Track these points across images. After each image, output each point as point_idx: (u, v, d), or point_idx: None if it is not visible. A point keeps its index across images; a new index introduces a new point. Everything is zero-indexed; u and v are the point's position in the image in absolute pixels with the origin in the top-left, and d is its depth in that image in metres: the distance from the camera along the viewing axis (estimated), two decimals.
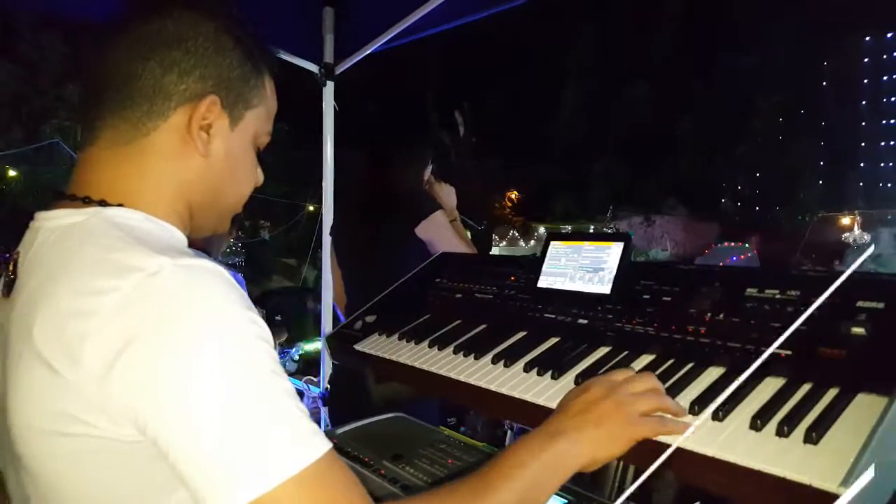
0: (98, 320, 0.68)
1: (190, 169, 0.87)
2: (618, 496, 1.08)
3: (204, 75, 0.85)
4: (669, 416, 0.86)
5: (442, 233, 2.23)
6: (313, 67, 2.80)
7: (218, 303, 0.71)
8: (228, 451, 0.65)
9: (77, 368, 0.68)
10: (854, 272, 0.84)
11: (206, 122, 0.86)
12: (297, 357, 3.64)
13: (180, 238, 0.86)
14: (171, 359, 0.66)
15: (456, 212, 2.46)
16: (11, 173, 11.03)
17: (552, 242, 1.33)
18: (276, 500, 0.65)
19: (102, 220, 0.79)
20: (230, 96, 0.87)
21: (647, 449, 0.85)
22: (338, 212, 2.71)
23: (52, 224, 0.81)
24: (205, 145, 0.86)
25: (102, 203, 0.81)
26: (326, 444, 0.70)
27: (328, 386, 3.19)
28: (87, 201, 0.81)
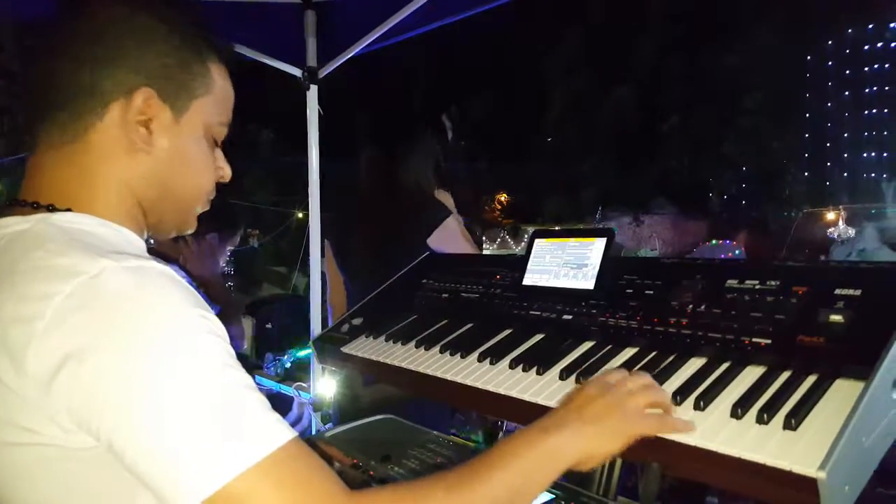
0: (40, 326, 0.66)
1: (135, 167, 0.83)
2: (606, 490, 1.09)
3: (136, 67, 0.80)
4: (668, 413, 0.86)
5: (454, 239, 2.20)
6: (296, 72, 2.79)
7: (163, 301, 0.69)
8: (186, 446, 0.64)
9: (21, 376, 0.67)
10: (832, 261, 0.86)
11: (145, 117, 0.81)
12: (288, 364, 3.64)
13: (133, 240, 0.83)
14: (118, 360, 0.65)
15: (458, 215, 2.39)
16: None
17: (536, 240, 1.34)
18: (240, 491, 0.64)
19: (49, 225, 0.76)
20: (169, 87, 0.82)
21: (636, 442, 0.85)
22: (338, 217, 2.64)
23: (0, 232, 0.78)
24: (144, 141, 0.82)
25: (50, 208, 0.78)
26: (289, 433, 0.69)
27: (321, 392, 3.18)
28: (35, 207, 0.79)
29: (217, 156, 0.92)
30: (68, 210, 0.79)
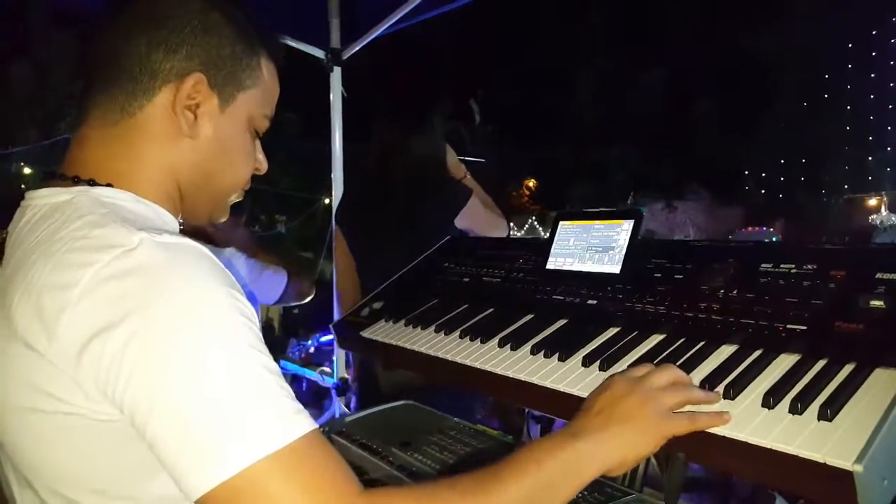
0: (75, 294, 0.67)
1: (178, 150, 0.85)
2: (631, 481, 1.06)
3: (190, 54, 0.83)
4: (702, 407, 0.81)
5: (480, 218, 2.19)
6: (320, 53, 2.77)
7: (196, 278, 0.70)
8: (204, 428, 0.64)
9: (53, 343, 0.68)
10: (873, 244, 0.81)
11: (193, 102, 0.84)
12: (312, 349, 3.66)
13: (169, 220, 0.85)
14: (147, 335, 0.65)
15: (462, 167, 2.35)
16: (26, 171, 11.20)
17: (561, 222, 1.30)
18: (252, 478, 0.63)
19: (89, 198, 0.78)
20: (219, 76, 0.85)
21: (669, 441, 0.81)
22: (353, 200, 2.58)
23: (39, 202, 0.81)
24: (190, 126, 0.84)
25: (91, 182, 0.80)
26: (310, 425, 0.68)
27: (344, 376, 3.18)
28: (76, 181, 0.80)
29: (256, 147, 0.94)
30: (109, 185, 0.80)
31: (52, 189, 0.81)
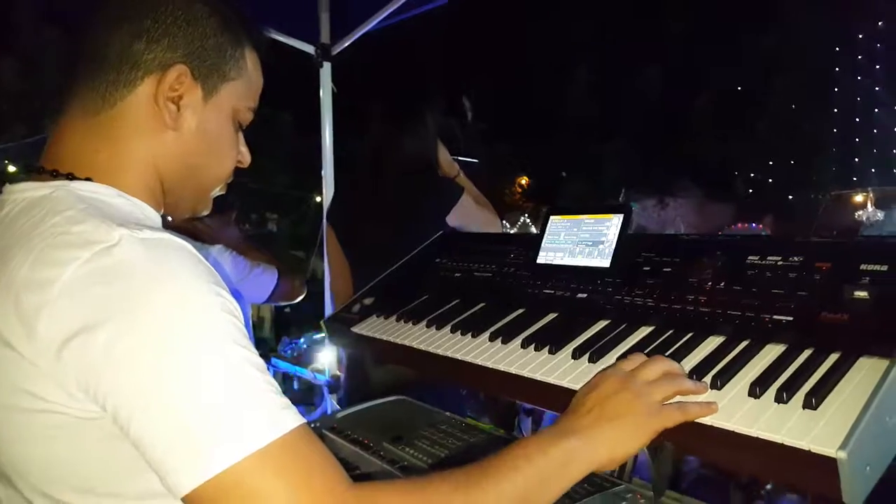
0: (54, 291, 0.66)
1: (160, 143, 0.83)
2: (620, 471, 1.07)
3: (173, 44, 0.82)
4: (690, 398, 0.82)
5: (471, 215, 2.19)
6: (309, 49, 2.75)
7: (178, 275, 0.69)
8: (190, 425, 0.63)
9: (32, 341, 0.67)
10: (858, 237, 0.82)
11: (176, 94, 0.82)
12: (304, 347, 3.66)
13: (151, 214, 0.84)
14: (129, 334, 0.64)
15: (455, 165, 2.36)
16: (11, 169, 11.09)
17: (552, 217, 1.31)
18: (241, 474, 0.63)
19: (68, 193, 0.76)
20: (203, 67, 0.84)
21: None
22: (344, 198, 2.55)
23: (17, 196, 0.79)
24: (173, 117, 0.83)
25: (70, 176, 0.79)
26: (297, 420, 0.68)
27: (336, 374, 3.18)
28: (55, 174, 0.79)
29: (239, 140, 0.93)
30: (88, 179, 0.79)
31: (30, 183, 0.79)
